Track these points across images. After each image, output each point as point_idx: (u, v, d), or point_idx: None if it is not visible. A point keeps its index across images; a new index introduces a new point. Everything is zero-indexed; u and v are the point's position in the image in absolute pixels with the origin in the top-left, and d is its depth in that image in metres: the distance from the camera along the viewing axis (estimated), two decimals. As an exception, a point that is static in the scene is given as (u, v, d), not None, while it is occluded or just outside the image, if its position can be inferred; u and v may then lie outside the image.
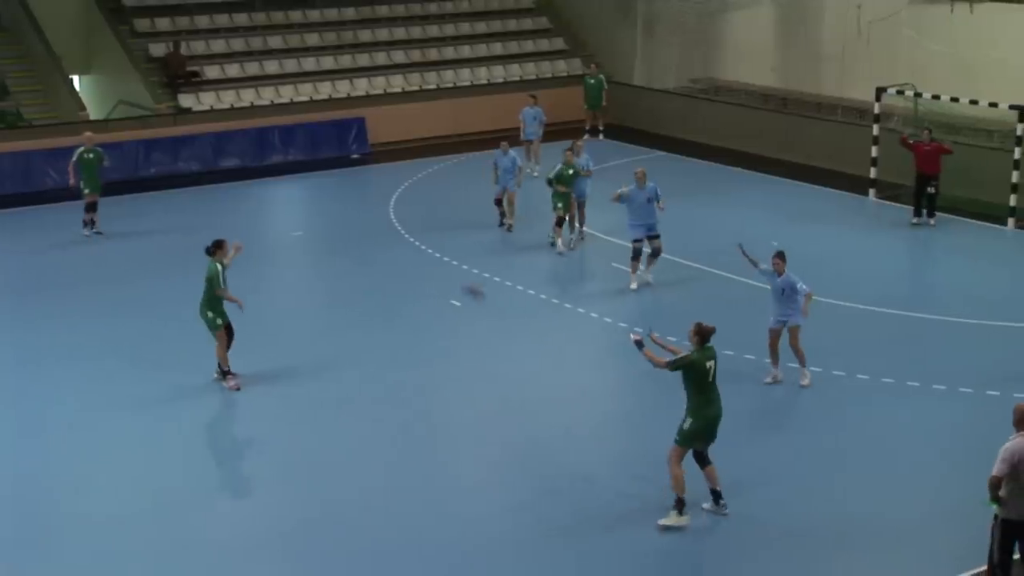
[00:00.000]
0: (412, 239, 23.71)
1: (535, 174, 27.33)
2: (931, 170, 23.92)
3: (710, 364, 12.64)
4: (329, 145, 31.21)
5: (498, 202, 24.28)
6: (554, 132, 30.09)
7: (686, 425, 12.67)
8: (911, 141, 24.32)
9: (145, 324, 19.15)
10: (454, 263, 21.91)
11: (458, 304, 19.40)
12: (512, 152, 24.11)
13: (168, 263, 22.03)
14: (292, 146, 30.84)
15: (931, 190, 23.97)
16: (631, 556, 12.31)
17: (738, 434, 14.12)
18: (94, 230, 23.99)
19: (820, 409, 15.92)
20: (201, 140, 29.80)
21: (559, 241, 22.46)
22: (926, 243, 23.90)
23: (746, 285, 19.56)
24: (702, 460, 12.98)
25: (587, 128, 32.56)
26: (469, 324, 18.98)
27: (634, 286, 20.36)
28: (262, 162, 30.34)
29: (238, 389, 16.21)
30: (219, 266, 16.07)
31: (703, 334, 12.69)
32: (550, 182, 22.46)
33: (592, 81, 32.52)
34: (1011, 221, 24.10)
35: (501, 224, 24.25)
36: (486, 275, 20.94)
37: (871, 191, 26.31)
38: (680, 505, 12.65)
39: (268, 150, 30.57)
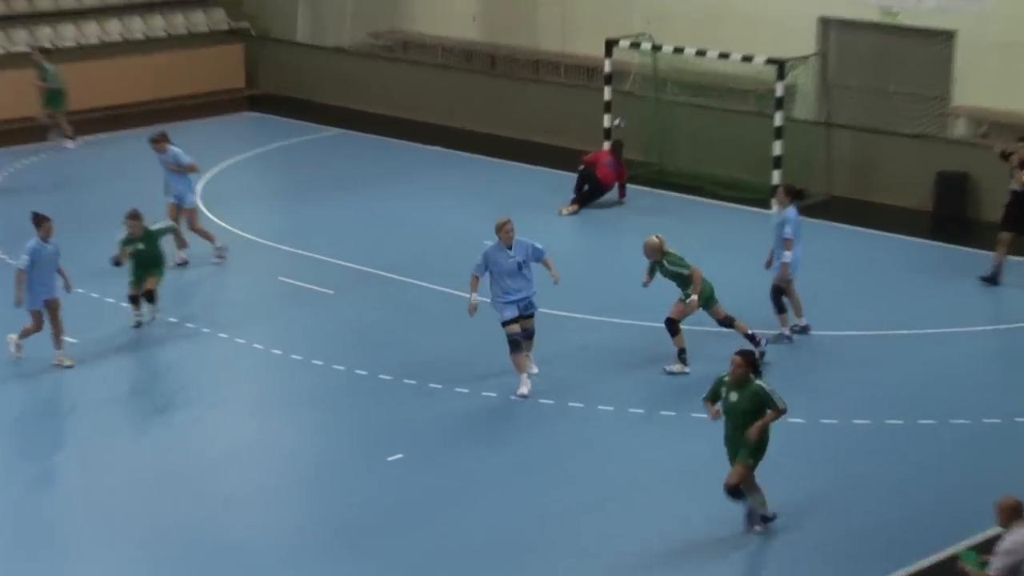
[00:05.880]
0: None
1: None
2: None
3: None
4: None
5: None
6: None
7: None
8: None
9: None
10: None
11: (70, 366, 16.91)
12: None
13: None
14: None
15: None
16: None
17: None
18: None
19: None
20: None
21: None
22: (679, 237, 20.24)
23: (440, 293, 19.01)
24: None
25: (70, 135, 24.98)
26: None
27: (525, 391, 15.61)
28: None
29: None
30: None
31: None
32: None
33: (50, 68, 24.73)
34: (775, 204, 20.95)
35: None
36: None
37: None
38: None
39: None
